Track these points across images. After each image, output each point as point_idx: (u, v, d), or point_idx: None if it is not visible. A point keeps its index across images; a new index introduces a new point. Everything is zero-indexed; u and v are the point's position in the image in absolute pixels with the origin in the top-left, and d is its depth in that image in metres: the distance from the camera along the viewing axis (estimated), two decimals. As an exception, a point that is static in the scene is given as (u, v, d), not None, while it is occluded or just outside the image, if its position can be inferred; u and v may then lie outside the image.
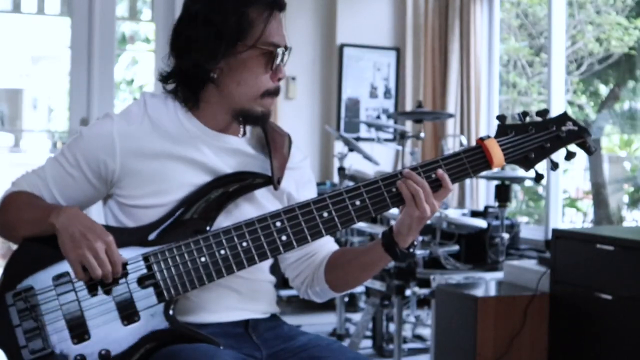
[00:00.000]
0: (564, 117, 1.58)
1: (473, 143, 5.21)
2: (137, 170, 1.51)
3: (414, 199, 1.46)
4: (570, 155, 1.59)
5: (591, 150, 1.58)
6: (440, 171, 1.49)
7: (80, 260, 1.38)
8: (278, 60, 1.52)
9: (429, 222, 4.10)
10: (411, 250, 1.54)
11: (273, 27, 1.51)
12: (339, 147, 4.70)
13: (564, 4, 4.95)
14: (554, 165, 1.59)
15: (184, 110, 1.56)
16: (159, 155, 1.51)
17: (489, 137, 1.54)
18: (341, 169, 4.16)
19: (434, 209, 1.48)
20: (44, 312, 1.41)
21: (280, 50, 1.52)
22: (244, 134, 1.62)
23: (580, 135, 1.57)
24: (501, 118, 1.56)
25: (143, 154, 1.51)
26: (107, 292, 1.42)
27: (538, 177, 1.59)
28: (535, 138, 1.55)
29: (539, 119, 1.57)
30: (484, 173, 4.16)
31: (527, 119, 1.56)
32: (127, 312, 1.42)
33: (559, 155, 1.60)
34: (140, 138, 1.52)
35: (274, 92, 1.54)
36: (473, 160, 1.52)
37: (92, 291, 1.42)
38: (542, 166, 1.59)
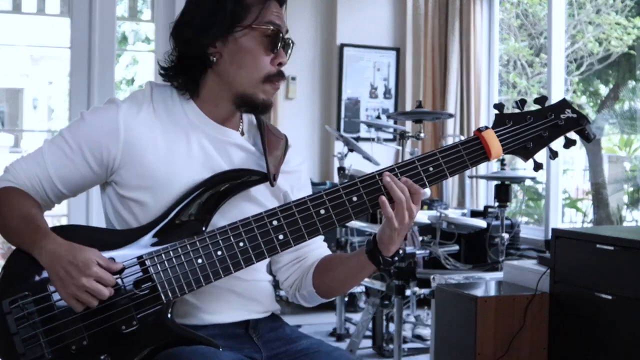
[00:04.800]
0: (562, 105, 1.55)
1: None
2: (138, 160, 1.49)
3: (397, 206, 1.44)
4: (569, 143, 1.57)
5: (590, 137, 1.54)
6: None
7: (74, 297, 1.37)
8: (279, 43, 1.51)
9: (428, 221, 4.13)
10: (395, 258, 1.51)
11: (272, 10, 1.51)
12: (339, 147, 4.70)
13: (563, 4, 4.95)
14: (553, 154, 1.57)
15: (187, 100, 1.55)
16: (160, 147, 1.50)
17: (486, 127, 1.51)
18: (341, 169, 4.16)
19: (412, 214, 1.46)
20: (41, 319, 1.38)
21: (279, 32, 1.50)
22: (242, 134, 1.61)
23: (579, 122, 1.53)
24: (499, 107, 1.54)
25: (145, 143, 1.50)
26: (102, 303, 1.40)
27: (537, 167, 1.56)
28: (534, 127, 1.52)
29: (537, 106, 1.54)
30: (483, 173, 4.18)
31: (525, 108, 1.53)
32: (125, 316, 1.40)
33: (558, 144, 1.57)
34: (144, 127, 1.51)
35: (276, 77, 1.52)
36: (471, 152, 1.49)
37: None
38: (541, 155, 1.56)
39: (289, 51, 1.56)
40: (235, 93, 1.53)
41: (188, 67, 1.54)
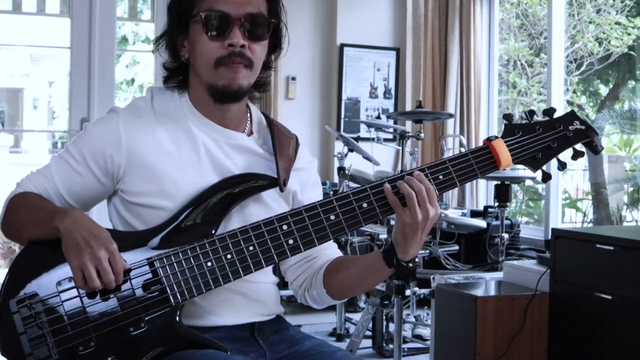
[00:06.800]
0: (571, 116, 1.56)
1: (473, 143, 5.22)
2: (143, 165, 1.49)
3: (408, 201, 1.43)
4: (577, 155, 1.58)
5: (598, 149, 1.57)
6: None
7: (82, 268, 1.35)
8: (222, 25, 1.48)
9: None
10: (410, 265, 1.49)
11: None
12: (339, 147, 4.70)
13: (563, 4, 4.95)
14: (562, 165, 1.58)
15: (187, 102, 1.56)
16: (165, 151, 1.50)
17: (496, 137, 1.52)
18: (341, 169, 4.16)
19: (427, 214, 1.44)
20: (48, 319, 1.37)
21: (222, 15, 1.48)
22: (251, 133, 1.61)
23: (587, 134, 1.55)
24: (508, 117, 1.55)
25: (149, 148, 1.50)
26: (106, 299, 1.39)
27: (545, 177, 1.58)
28: (543, 138, 1.53)
29: (545, 117, 1.56)
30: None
31: (534, 118, 1.55)
32: (133, 318, 1.39)
33: (565, 155, 1.58)
34: (146, 132, 1.51)
35: (228, 59, 1.49)
36: (480, 161, 1.50)
37: (96, 297, 1.39)
38: (548, 165, 1.58)
39: (246, 31, 1.50)
40: (204, 85, 1.53)
41: (176, 70, 1.57)
